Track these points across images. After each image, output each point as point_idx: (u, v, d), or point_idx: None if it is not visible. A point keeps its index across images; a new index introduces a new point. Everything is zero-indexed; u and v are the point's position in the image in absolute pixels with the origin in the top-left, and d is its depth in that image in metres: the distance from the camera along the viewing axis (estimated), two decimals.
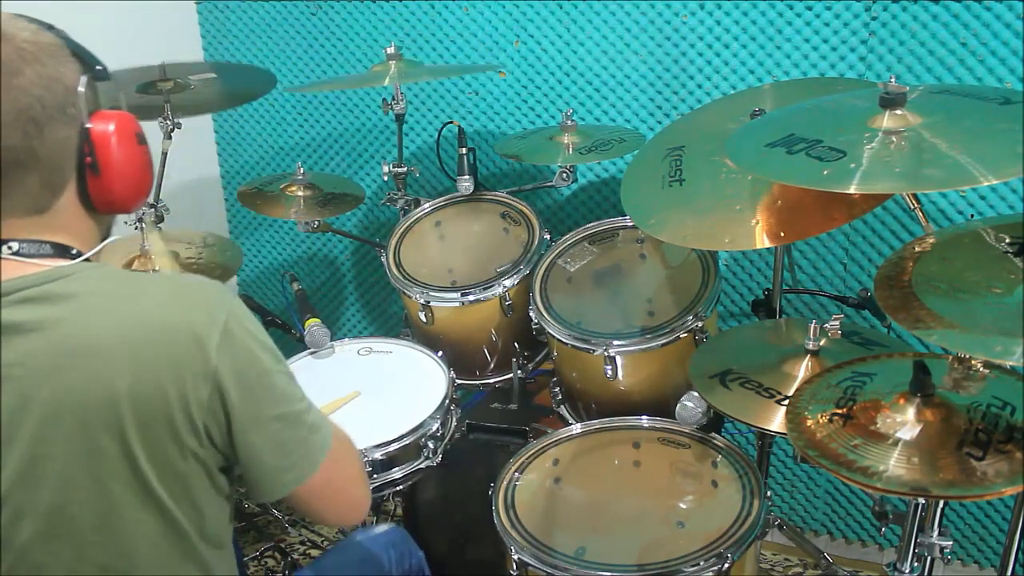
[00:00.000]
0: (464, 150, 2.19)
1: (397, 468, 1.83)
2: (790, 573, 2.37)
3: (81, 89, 1.06)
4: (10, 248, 1.05)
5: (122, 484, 1.05)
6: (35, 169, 1.04)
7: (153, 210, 2.19)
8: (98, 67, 1.10)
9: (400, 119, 2.35)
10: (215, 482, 1.11)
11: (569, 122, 2.15)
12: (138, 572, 1.09)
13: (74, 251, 1.09)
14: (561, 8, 2.31)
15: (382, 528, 1.58)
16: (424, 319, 2.11)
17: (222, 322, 1.06)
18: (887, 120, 1.33)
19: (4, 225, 1.05)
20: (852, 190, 1.25)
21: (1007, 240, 1.29)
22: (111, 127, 1.08)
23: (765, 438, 1.85)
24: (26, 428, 1.02)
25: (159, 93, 2.12)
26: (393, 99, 2.29)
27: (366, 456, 1.78)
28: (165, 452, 1.05)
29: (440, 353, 2.06)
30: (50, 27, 1.08)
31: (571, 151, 2.12)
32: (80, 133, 1.07)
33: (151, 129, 2.02)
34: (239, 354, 1.06)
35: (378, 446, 1.80)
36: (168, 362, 1.03)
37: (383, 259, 2.21)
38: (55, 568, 1.07)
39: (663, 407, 1.82)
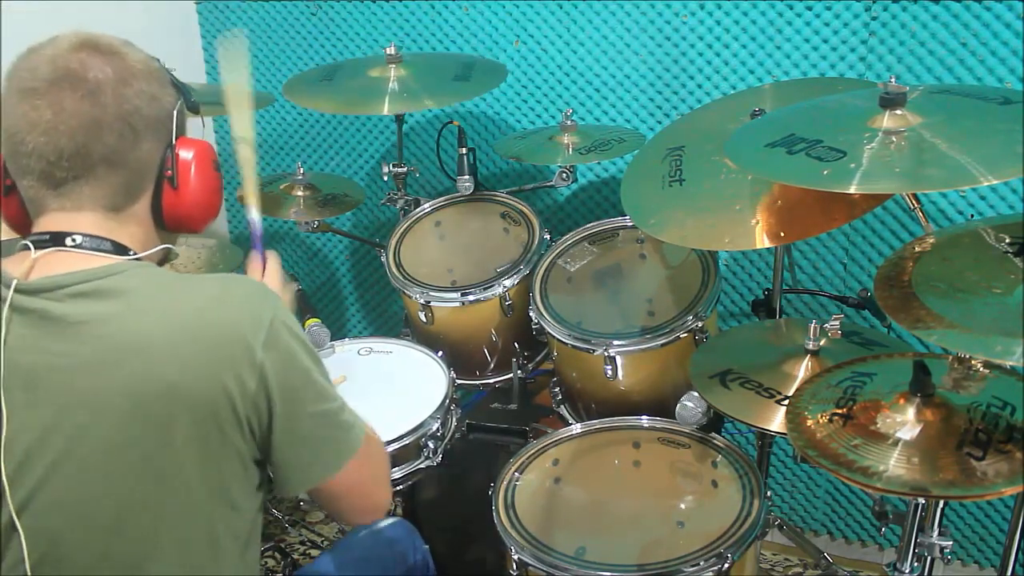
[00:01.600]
0: (464, 150, 2.19)
1: (397, 468, 1.83)
2: (790, 573, 2.37)
3: (175, 113, 1.18)
4: (73, 240, 1.11)
5: (161, 478, 1.08)
6: (122, 170, 1.12)
7: None
8: (192, 99, 1.22)
9: (400, 119, 2.35)
10: (248, 475, 1.15)
11: (569, 122, 2.15)
12: (162, 572, 1.11)
13: (131, 252, 1.14)
14: (561, 8, 2.31)
15: (387, 522, 1.59)
16: (424, 319, 2.11)
17: (268, 320, 1.10)
18: (887, 120, 1.33)
19: (77, 217, 1.12)
20: (852, 190, 1.26)
21: (1007, 240, 1.29)
22: (194, 149, 1.19)
23: (765, 438, 1.85)
24: (69, 420, 1.05)
25: None
26: None
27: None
28: (207, 446, 1.08)
29: (440, 353, 2.06)
30: (156, 59, 1.19)
31: (571, 151, 2.12)
32: (168, 147, 1.17)
33: None
34: (283, 352, 1.11)
35: None
36: (215, 359, 1.07)
37: (383, 259, 2.21)
38: (83, 559, 1.09)
39: (663, 407, 1.82)
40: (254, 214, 1.44)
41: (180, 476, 1.08)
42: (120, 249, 1.14)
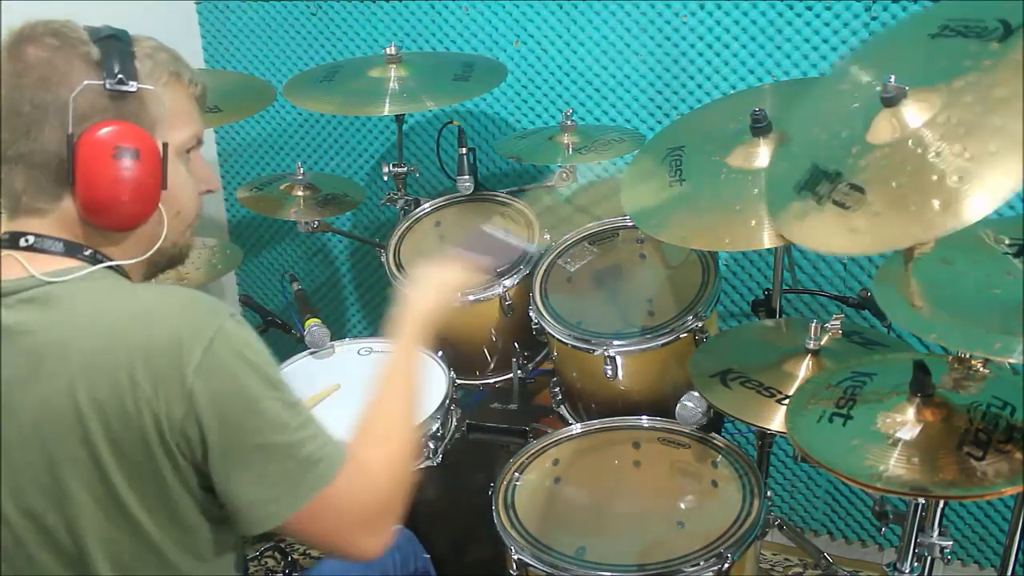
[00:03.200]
0: (464, 150, 2.19)
1: None
2: (790, 573, 2.37)
3: (74, 94, 1.05)
4: (26, 241, 1.08)
5: (92, 497, 1.04)
6: (26, 164, 1.06)
7: None
8: (118, 77, 1.07)
9: (400, 119, 2.35)
10: (200, 501, 1.07)
11: (569, 122, 2.15)
12: None
13: (88, 252, 1.10)
14: (561, 8, 2.31)
15: None
16: None
17: (207, 339, 1.01)
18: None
19: (30, 219, 1.08)
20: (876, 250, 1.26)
21: (1007, 240, 1.29)
22: (92, 137, 1.06)
23: (765, 438, 1.85)
24: (8, 432, 1.03)
25: None
26: None
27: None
28: (140, 469, 1.03)
29: (440, 353, 2.06)
30: (111, 35, 1.09)
31: (571, 151, 2.12)
32: (67, 142, 1.06)
33: None
34: (220, 377, 1.01)
35: None
36: (143, 378, 1.00)
37: (383, 259, 2.21)
38: (34, 572, 1.07)
39: (663, 407, 1.82)
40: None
41: (112, 496, 1.03)
42: (72, 248, 1.09)
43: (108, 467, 1.02)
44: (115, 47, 1.09)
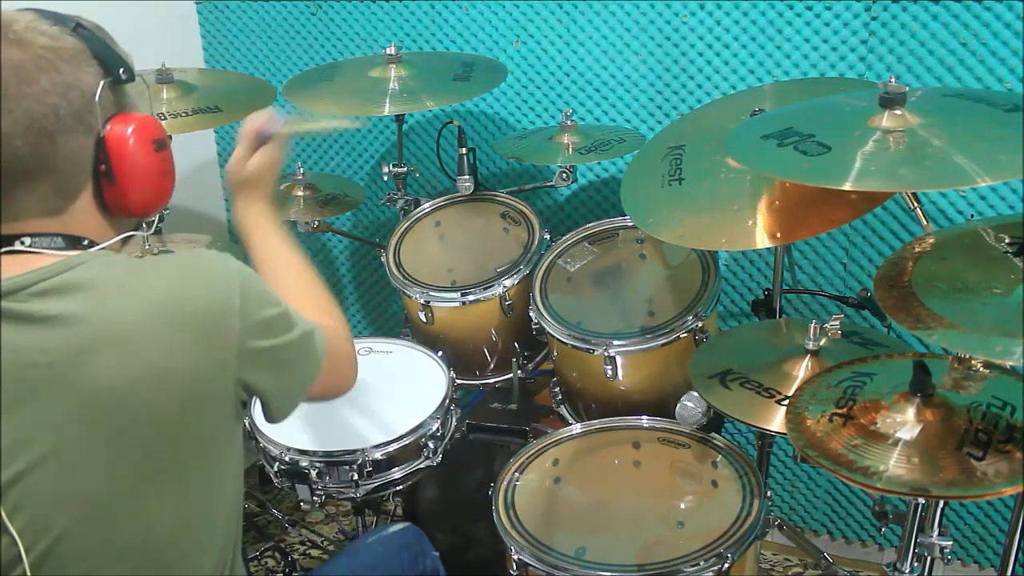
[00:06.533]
0: (464, 150, 2.19)
1: (397, 468, 1.83)
2: (790, 573, 2.37)
3: (97, 97, 1.06)
4: (23, 243, 1.07)
5: (155, 464, 1.07)
6: (48, 177, 1.06)
7: None
8: (121, 69, 1.10)
9: (400, 119, 2.35)
10: (234, 442, 1.16)
11: (569, 122, 2.15)
12: (161, 556, 1.11)
13: (85, 242, 1.11)
14: (561, 8, 2.31)
15: (396, 528, 1.58)
16: (424, 319, 2.11)
17: (236, 288, 1.09)
18: (885, 119, 1.33)
19: (19, 224, 1.07)
20: (824, 184, 1.28)
21: (1007, 240, 1.29)
22: (127, 134, 1.09)
23: (765, 438, 1.85)
24: (53, 413, 1.03)
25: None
26: None
27: (366, 456, 1.78)
28: (199, 424, 1.08)
29: (440, 353, 2.06)
30: (77, 25, 1.08)
31: (571, 151, 2.12)
32: (96, 142, 1.08)
33: None
34: (256, 312, 1.10)
35: (378, 446, 1.80)
36: (196, 337, 1.05)
37: (383, 259, 2.21)
38: (86, 551, 1.08)
39: (663, 407, 1.82)
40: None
41: (175, 457, 1.08)
42: (73, 241, 1.10)
43: (173, 435, 1.06)
44: (91, 38, 1.09)
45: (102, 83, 1.07)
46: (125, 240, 1.21)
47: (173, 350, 1.04)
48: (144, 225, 1.24)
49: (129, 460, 1.06)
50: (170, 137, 1.20)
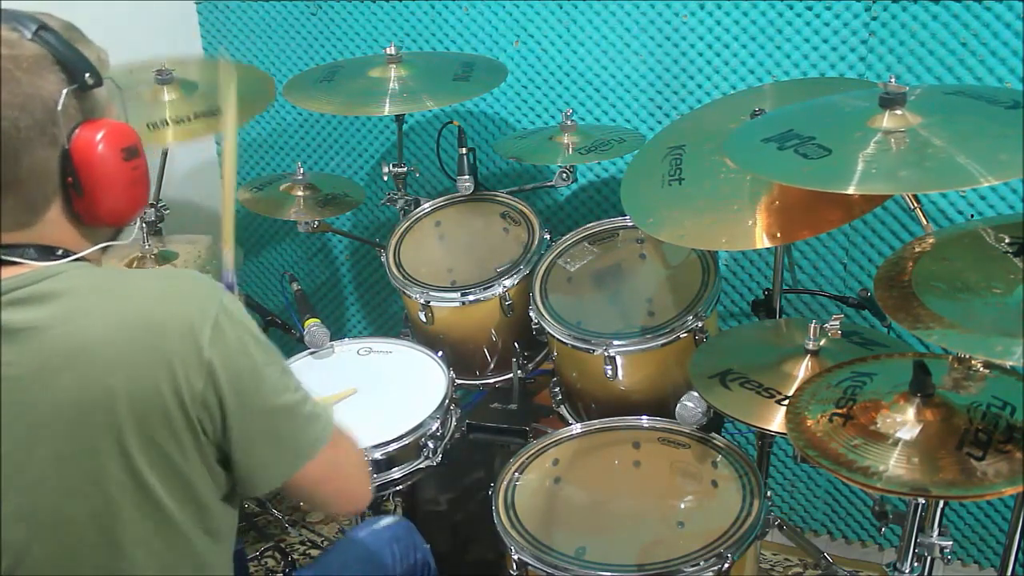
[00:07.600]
0: (464, 150, 2.19)
1: (397, 468, 1.83)
2: (790, 573, 2.37)
3: (60, 106, 1.01)
4: None
5: (118, 484, 1.04)
6: (12, 192, 1.02)
7: (153, 209, 2.19)
8: (88, 74, 1.04)
9: (400, 119, 2.35)
10: (215, 477, 1.10)
11: (569, 122, 2.15)
12: (134, 572, 1.09)
13: (59, 251, 1.08)
14: (561, 8, 2.31)
15: (386, 522, 1.58)
16: (424, 319, 2.11)
17: (213, 316, 1.04)
18: (886, 120, 1.33)
19: None
20: (824, 188, 1.29)
21: (1007, 240, 1.29)
22: (94, 144, 1.04)
23: (765, 438, 1.85)
24: (18, 430, 1.01)
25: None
26: None
27: (366, 456, 1.78)
28: (163, 449, 1.04)
29: (440, 353, 2.06)
30: (39, 28, 1.02)
31: (571, 151, 2.12)
32: (61, 154, 1.03)
33: None
34: (231, 347, 1.05)
35: (378, 446, 1.80)
36: (161, 358, 1.01)
37: (383, 259, 2.21)
38: (52, 570, 1.06)
39: (663, 407, 1.82)
40: (228, 260, 1.31)
41: (137, 480, 1.04)
42: (46, 252, 1.06)
43: (132, 451, 1.03)
44: (55, 41, 1.02)
45: (65, 91, 1.01)
46: (104, 249, 1.16)
47: (130, 373, 1.00)
48: (132, 231, 1.19)
49: (92, 482, 1.03)
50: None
